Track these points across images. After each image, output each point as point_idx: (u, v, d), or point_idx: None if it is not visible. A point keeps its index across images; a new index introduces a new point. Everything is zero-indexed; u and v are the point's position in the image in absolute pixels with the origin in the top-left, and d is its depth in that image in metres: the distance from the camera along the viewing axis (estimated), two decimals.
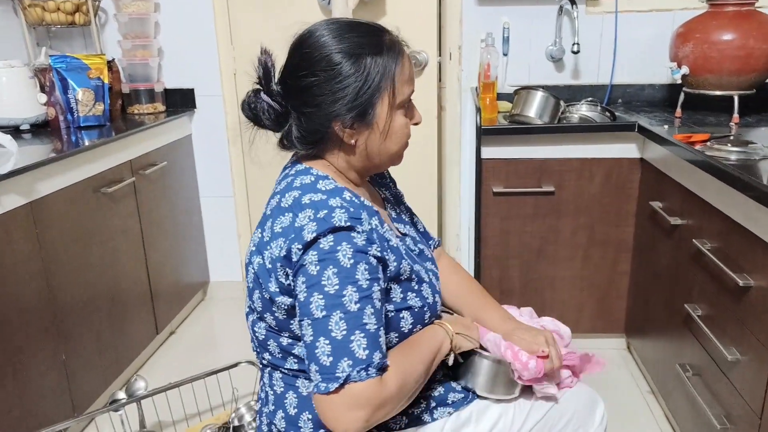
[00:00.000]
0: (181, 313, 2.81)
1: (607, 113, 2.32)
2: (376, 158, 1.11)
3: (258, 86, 1.10)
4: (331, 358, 0.92)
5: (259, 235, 1.07)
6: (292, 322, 1.05)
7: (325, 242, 0.95)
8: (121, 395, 1.82)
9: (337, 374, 0.92)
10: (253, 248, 1.08)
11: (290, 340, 1.08)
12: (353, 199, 1.03)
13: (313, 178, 1.07)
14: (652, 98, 2.57)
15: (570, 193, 2.25)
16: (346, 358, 0.92)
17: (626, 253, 2.30)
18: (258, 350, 1.17)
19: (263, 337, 1.12)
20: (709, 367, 1.63)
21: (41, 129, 2.43)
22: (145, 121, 2.58)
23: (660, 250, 2.01)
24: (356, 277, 0.95)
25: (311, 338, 0.95)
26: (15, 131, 2.34)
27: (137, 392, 1.84)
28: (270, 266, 1.02)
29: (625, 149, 2.20)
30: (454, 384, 1.20)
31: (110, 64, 2.67)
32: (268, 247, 1.02)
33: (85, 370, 2.04)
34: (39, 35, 2.79)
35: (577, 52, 2.42)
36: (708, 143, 1.73)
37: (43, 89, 2.45)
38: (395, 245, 1.09)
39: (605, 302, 2.37)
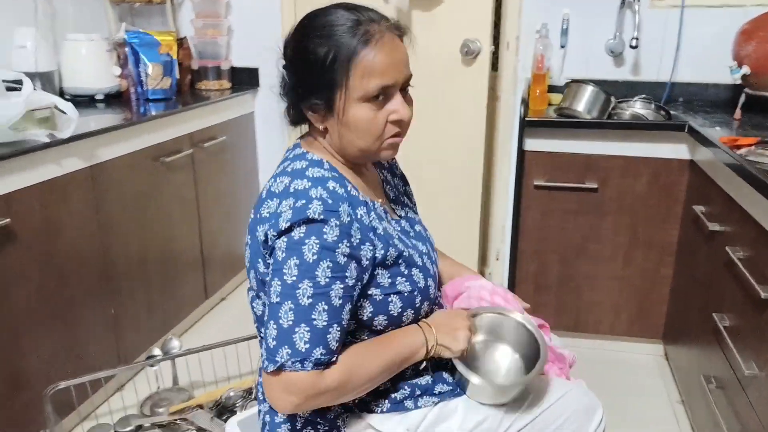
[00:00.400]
0: (233, 281, 2.96)
1: (662, 111, 2.24)
2: (341, 147, 1.11)
3: None
4: (275, 342, 0.98)
5: (252, 217, 1.11)
6: None
7: (297, 232, 0.99)
8: (157, 352, 1.97)
9: (276, 358, 0.97)
10: (248, 229, 1.13)
11: None
12: (336, 189, 1.04)
13: (305, 164, 1.09)
14: (715, 98, 2.45)
15: (614, 191, 2.20)
16: (286, 347, 0.97)
17: (669, 257, 2.23)
18: (257, 325, 1.21)
19: (260, 313, 1.16)
20: (731, 380, 1.57)
21: (114, 99, 2.61)
22: (211, 97, 2.72)
23: (698, 256, 1.94)
24: (315, 273, 0.98)
25: (266, 318, 1.00)
26: (90, 100, 2.53)
27: (171, 351, 1.98)
28: (258, 248, 1.08)
29: (675, 150, 2.12)
30: (445, 375, 1.20)
31: (182, 41, 2.83)
32: (257, 231, 1.07)
33: (132, 325, 2.21)
34: (123, 12, 2.97)
35: (635, 47, 2.34)
36: (753, 147, 1.65)
37: (118, 62, 2.63)
38: (382, 232, 1.10)
39: (644, 306, 2.31)
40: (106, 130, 2.01)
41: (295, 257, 0.98)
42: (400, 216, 1.24)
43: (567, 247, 2.30)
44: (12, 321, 1.73)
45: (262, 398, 1.23)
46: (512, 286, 2.35)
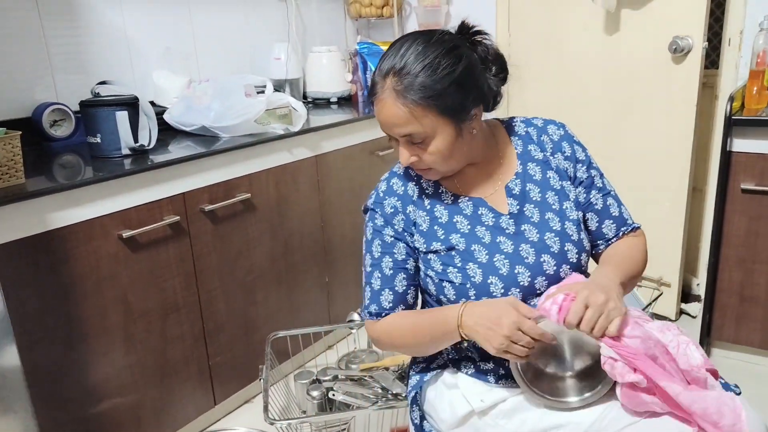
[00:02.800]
0: None
1: None
2: None
3: None
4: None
5: None
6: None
7: (368, 216, 1.29)
8: (356, 317, 2.26)
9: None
10: None
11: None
12: (394, 185, 1.27)
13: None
14: None
15: None
16: (363, 300, 1.29)
17: None
18: None
19: None
20: None
21: (345, 101, 3.02)
22: None
23: None
24: (372, 249, 1.27)
25: None
26: (327, 102, 2.97)
27: None
28: None
29: None
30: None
31: None
32: None
33: (342, 293, 2.56)
34: (361, 26, 3.40)
35: None
36: None
37: (350, 70, 3.04)
38: (425, 227, 1.23)
39: None
40: (328, 126, 2.39)
41: (364, 237, 1.30)
42: (507, 212, 1.22)
43: None
44: (250, 276, 2.17)
45: None
46: (711, 295, 2.21)
